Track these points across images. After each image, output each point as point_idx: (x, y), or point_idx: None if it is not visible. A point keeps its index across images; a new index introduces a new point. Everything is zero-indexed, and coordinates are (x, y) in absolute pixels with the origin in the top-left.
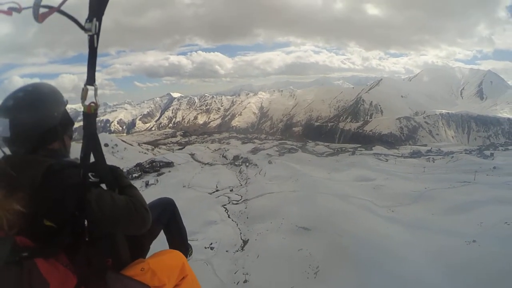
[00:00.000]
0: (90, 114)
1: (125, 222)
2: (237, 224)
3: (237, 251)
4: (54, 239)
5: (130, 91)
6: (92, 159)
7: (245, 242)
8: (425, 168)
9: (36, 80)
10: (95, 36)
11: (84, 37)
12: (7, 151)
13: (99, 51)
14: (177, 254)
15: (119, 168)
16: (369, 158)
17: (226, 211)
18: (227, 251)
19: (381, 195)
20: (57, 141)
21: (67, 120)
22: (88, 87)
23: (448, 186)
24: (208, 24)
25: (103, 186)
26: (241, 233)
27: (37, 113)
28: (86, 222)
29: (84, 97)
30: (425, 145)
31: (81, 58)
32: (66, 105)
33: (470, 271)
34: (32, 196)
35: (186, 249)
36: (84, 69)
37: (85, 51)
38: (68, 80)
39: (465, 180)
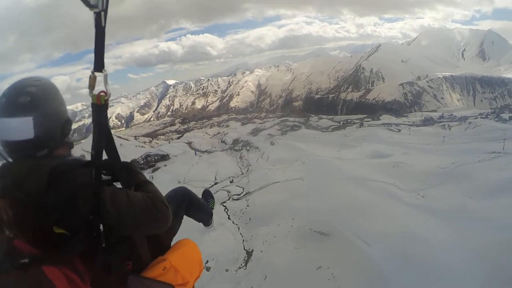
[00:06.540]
0: (100, 105)
1: (144, 222)
2: (238, 229)
3: (239, 268)
4: (65, 247)
5: (124, 84)
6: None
7: (249, 254)
8: (444, 138)
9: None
10: (103, 14)
11: (67, 34)
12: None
13: (85, 46)
14: (194, 246)
15: (132, 163)
16: (379, 130)
17: (226, 210)
18: (227, 271)
19: (403, 175)
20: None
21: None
22: (97, 74)
23: (478, 160)
24: (192, 4)
25: (117, 184)
26: (243, 240)
27: (57, 106)
28: (102, 226)
29: (92, 85)
30: (435, 111)
31: (68, 58)
32: None
33: None
34: (39, 204)
35: (210, 217)
36: (73, 68)
37: (71, 50)
38: (60, 81)
39: (494, 151)
